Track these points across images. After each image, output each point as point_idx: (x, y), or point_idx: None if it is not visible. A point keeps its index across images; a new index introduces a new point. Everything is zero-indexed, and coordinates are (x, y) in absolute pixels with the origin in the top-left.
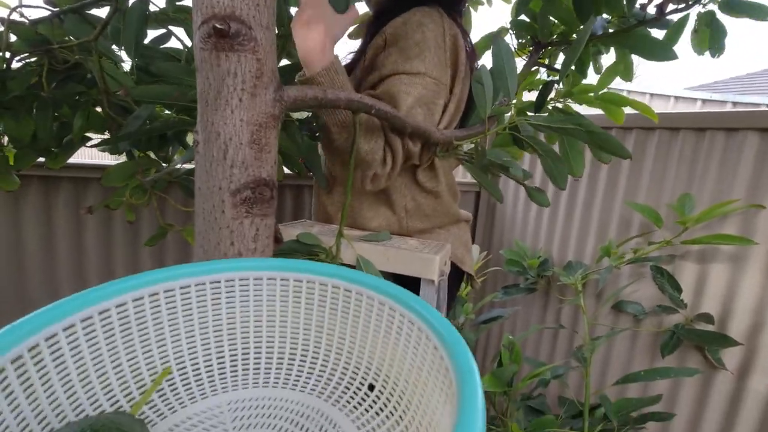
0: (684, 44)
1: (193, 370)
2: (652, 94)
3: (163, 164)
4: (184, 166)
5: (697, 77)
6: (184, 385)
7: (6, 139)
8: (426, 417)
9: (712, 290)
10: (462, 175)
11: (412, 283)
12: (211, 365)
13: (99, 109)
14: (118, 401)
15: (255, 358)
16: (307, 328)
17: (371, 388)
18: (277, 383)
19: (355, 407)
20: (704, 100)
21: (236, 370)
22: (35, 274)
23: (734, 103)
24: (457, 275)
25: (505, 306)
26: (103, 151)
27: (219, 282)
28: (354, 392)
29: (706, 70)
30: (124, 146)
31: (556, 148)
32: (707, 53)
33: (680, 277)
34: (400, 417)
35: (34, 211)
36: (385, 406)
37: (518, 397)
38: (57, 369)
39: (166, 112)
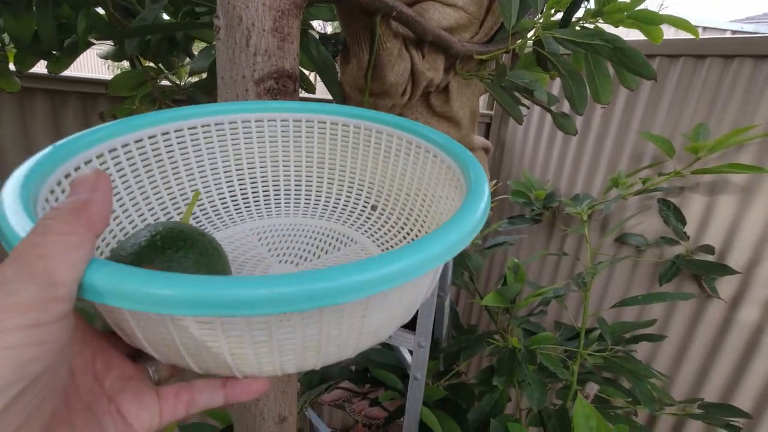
0: None
1: (220, 200)
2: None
3: (170, 74)
4: (190, 79)
5: (745, 8)
6: (214, 213)
7: (6, 37)
8: (432, 217)
9: (716, 223)
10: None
11: None
12: (236, 197)
13: (101, 11)
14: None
15: (275, 192)
16: (321, 164)
17: (373, 208)
18: (297, 213)
19: (363, 224)
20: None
21: (258, 202)
22: None
23: None
24: None
25: (510, 235)
26: (106, 57)
27: (249, 121)
28: (359, 213)
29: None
30: (131, 46)
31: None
32: None
33: (686, 209)
34: (403, 225)
35: (43, 125)
36: (388, 220)
37: (519, 316)
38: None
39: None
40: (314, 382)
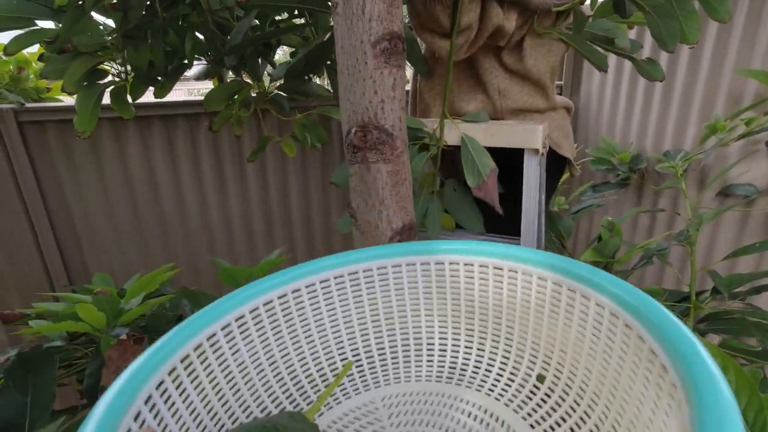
0: None
1: (355, 361)
2: None
3: (253, 87)
4: (274, 84)
5: None
6: (347, 378)
7: (127, 69)
8: (626, 415)
9: None
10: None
11: (514, 167)
12: (371, 355)
13: (200, 36)
14: (277, 397)
15: (416, 351)
16: (469, 317)
17: (541, 379)
18: (440, 378)
19: (522, 402)
20: None
21: (397, 362)
22: (168, 193)
23: None
24: (555, 163)
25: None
26: (198, 78)
27: (371, 270)
28: (519, 384)
29: None
30: (230, 60)
31: None
32: None
33: None
34: (585, 413)
35: (136, 148)
36: (563, 400)
37: (621, 271)
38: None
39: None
40: None
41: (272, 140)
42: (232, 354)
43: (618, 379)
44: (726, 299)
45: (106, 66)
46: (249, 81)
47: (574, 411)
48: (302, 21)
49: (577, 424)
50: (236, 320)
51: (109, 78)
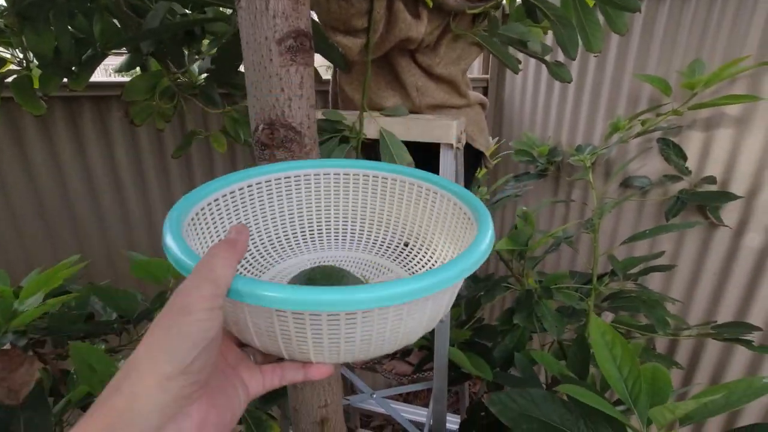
0: None
1: (284, 237)
2: None
3: (180, 74)
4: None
5: None
6: (280, 247)
7: (30, 57)
8: (450, 250)
9: (715, 155)
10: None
11: (431, 159)
12: (296, 235)
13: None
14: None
15: (328, 231)
16: (364, 208)
17: (406, 245)
18: (345, 247)
19: (397, 257)
20: None
21: (314, 239)
22: (77, 186)
23: None
24: (471, 157)
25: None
26: (120, 71)
27: (309, 175)
28: (394, 248)
29: None
30: (147, 47)
31: None
32: None
33: (686, 146)
34: (430, 257)
35: (64, 132)
36: (417, 254)
37: (533, 257)
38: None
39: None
40: None
41: (199, 135)
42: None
43: (448, 227)
44: (621, 280)
45: (5, 53)
46: (173, 71)
47: (426, 252)
48: (230, 11)
49: (429, 258)
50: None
51: (11, 67)
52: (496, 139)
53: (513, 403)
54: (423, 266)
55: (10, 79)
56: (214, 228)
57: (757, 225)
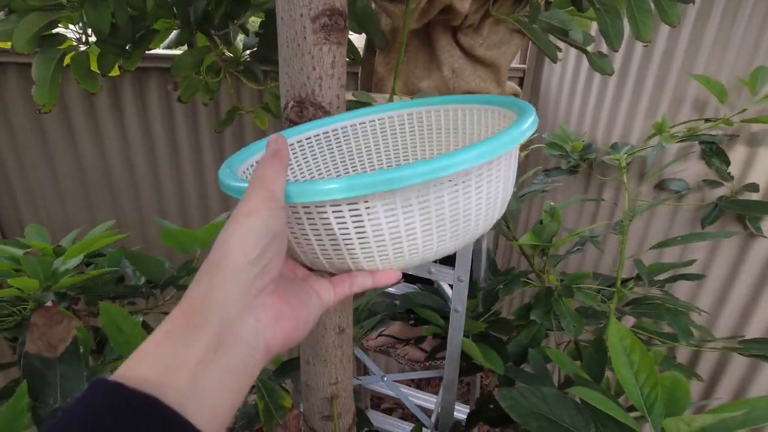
0: None
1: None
2: None
3: (223, 51)
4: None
5: None
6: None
7: (87, 31)
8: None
9: (761, 162)
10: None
11: None
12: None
13: None
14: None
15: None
16: (430, 135)
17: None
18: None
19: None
20: None
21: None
22: (115, 155)
23: None
24: None
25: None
26: (169, 47)
27: (381, 118)
28: None
29: None
30: (197, 14)
31: None
32: None
33: (730, 151)
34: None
35: (106, 102)
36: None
37: (556, 255)
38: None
39: None
40: (361, 319)
41: (242, 111)
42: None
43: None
44: (646, 285)
45: (67, 32)
46: (220, 46)
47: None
48: None
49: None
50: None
51: (72, 44)
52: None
53: (524, 400)
54: None
55: (68, 57)
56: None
57: None
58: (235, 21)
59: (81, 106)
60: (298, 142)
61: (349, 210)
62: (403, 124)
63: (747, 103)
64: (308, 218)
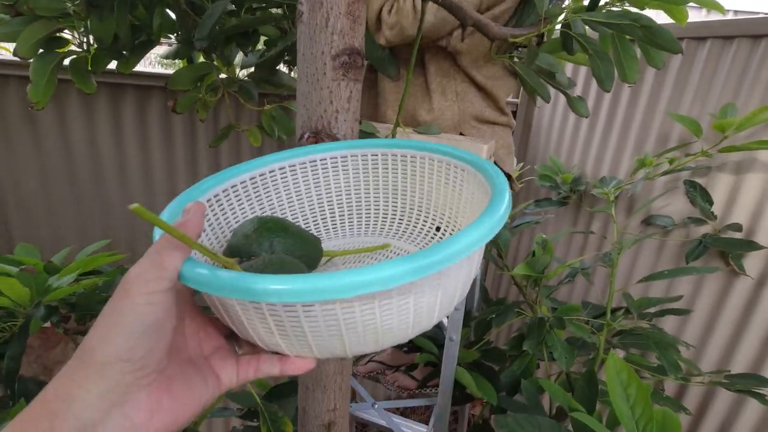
0: None
1: (313, 222)
2: (735, 11)
3: (221, 70)
4: (242, 72)
5: None
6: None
7: (90, 40)
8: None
9: (743, 202)
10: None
11: None
12: (325, 219)
13: (171, 14)
14: None
15: (356, 216)
16: (394, 190)
17: (437, 229)
18: (373, 233)
19: (427, 243)
20: None
21: (338, 225)
22: (110, 170)
23: None
24: None
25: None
26: (167, 57)
27: (331, 158)
28: (425, 234)
29: None
30: (200, 45)
31: None
32: None
33: (713, 190)
34: (451, 224)
35: (105, 116)
36: (439, 223)
37: (548, 286)
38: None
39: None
40: None
41: (237, 128)
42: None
43: (465, 198)
44: (635, 318)
45: (67, 35)
46: (219, 65)
47: (444, 225)
48: (279, 11)
49: (445, 230)
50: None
51: (72, 48)
52: (521, 164)
53: (520, 429)
54: None
55: (67, 60)
56: (233, 216)
57: None
58: (244, 48)
59: (80, 118)
60: (232, 187)
61: (251, 303)
62: (381, 165)
63: (722, 138)
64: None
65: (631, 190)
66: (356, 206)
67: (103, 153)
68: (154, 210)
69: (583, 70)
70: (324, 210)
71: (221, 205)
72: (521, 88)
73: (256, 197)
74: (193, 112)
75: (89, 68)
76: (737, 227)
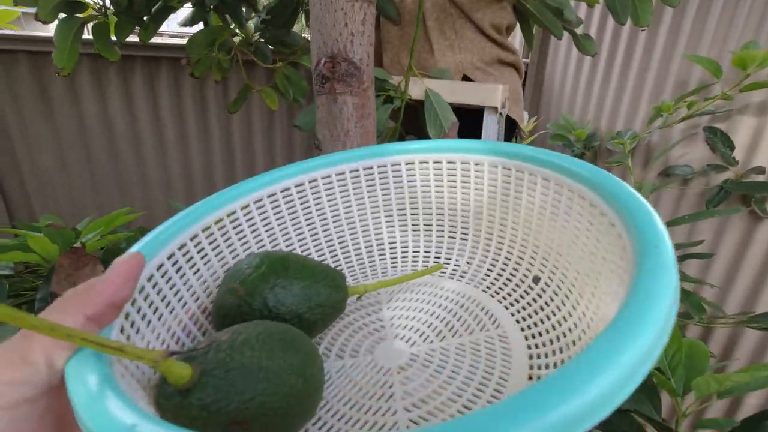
0: None
1: (355, 253)
2: None
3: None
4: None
5: None
6: (348, 268)
7: (105, 2)
8: (599, 312)
9: (765, 146)
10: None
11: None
12: (371, 250)
13: None
14: None
15: (403, 247)
16: (464, 213)
17: (536, 280)
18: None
19: (516, 300)
20: None
21: (385, 257)
22: (123, 140)
23: None
24: (506, 127)
25: None
26: (184, 24)
27: (371, 167)
28: (516, 284)
29: None
30: (211, 1)
31: None
32: None
33: (734, 135)
34: (568, 313)
35: (116, 89)
36: (551, 300)
37: None
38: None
39: None
40: None
41: (253, 89)
42: (225, 246)
43: (573, 244)
44: None
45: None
46: (234, 26)
47: (561, 311)
48: None
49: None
50: (211, 226)
51: (92, 13)
52: (534, 117)
53: None
54: (554, 329)
55: (90, 25)
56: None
57: None
58: (248, 3)
59: (92, 93)
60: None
61: None
62: (451, 175)
63: (744, 77)
64: None
65: (647, 139)
66: (418, 231)
67: (116, 126)
68: (165, 197)
69: (595, 21)
70: (375, 233)
71: (225, 231)
72: (530, 48)
73: (276, 217)
74: (202, 82)
75: (112, 35)
76: (760, 170)
